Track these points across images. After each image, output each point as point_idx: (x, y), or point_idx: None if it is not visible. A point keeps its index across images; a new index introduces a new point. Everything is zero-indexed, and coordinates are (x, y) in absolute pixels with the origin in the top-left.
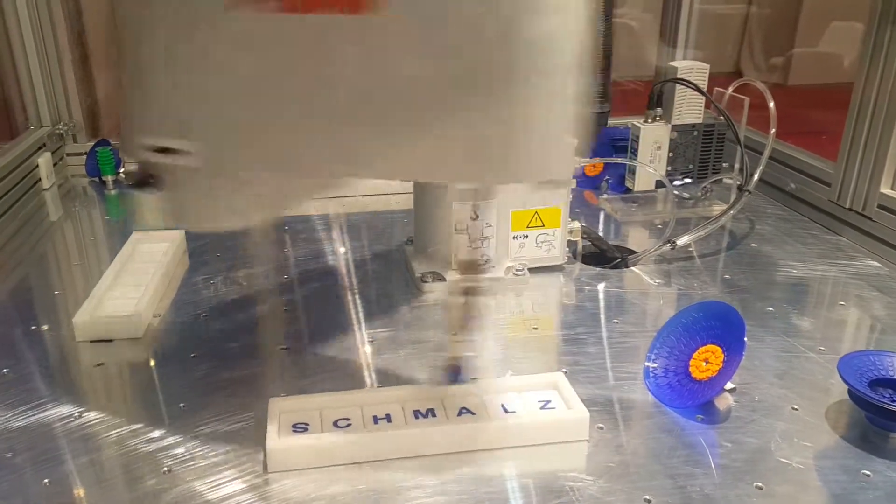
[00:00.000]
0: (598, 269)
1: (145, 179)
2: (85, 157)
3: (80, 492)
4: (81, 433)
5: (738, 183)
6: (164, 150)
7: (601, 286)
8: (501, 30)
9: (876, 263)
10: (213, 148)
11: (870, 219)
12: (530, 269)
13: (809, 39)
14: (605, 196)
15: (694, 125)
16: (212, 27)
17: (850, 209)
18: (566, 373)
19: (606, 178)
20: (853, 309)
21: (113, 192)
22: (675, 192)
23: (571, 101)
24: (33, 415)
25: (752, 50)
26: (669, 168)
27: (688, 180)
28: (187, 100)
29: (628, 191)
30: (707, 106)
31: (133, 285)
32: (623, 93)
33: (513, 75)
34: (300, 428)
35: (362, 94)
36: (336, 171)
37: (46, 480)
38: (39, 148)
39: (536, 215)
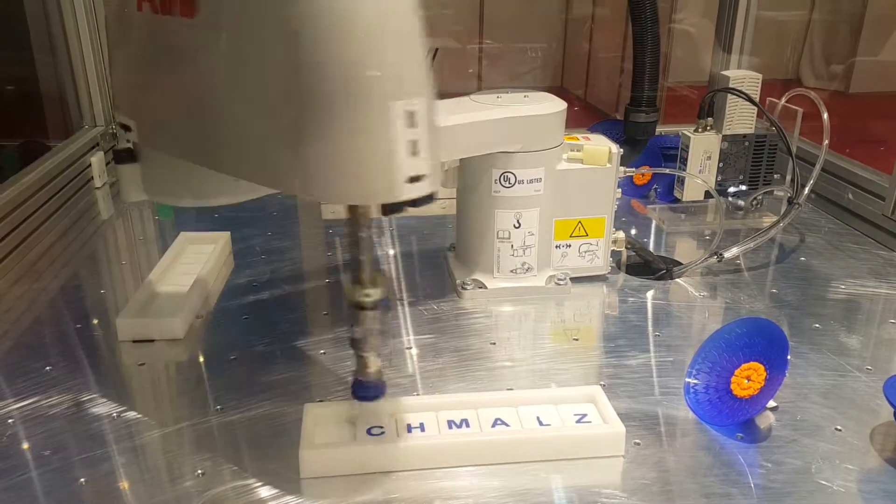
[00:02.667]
0: (642, 280)
1: (120, 154)
2: None
3: (115, 491)
4: (119, 432)
5: (789, 195)
6: (124, 127)
7: (644, 297)
8: (311, 47)
9: None
10: (142, 128)
11: None
12: (573, 279)
13: (872, 47)
14: (652, 205)
15: (745, 136)
16: (127, 24)
17: None
18: (604, 386)
19: (655, 186)
20: None
21: None
22: (731, 198)
23: (401, 125)
24: (74, 413)
25: (813, 57)
26: (720, 178)
27: (743, 187)
28: (123, 84)
29: (677, 200)
30: (759, 116)
31: (177, 286)
32: (677, 98)
33: (327, 100)
34: (334, 435)
35: (213, 98)
36: (218, 168)
37: (83, 479)
38: (92, 147)
39: (580, 224)
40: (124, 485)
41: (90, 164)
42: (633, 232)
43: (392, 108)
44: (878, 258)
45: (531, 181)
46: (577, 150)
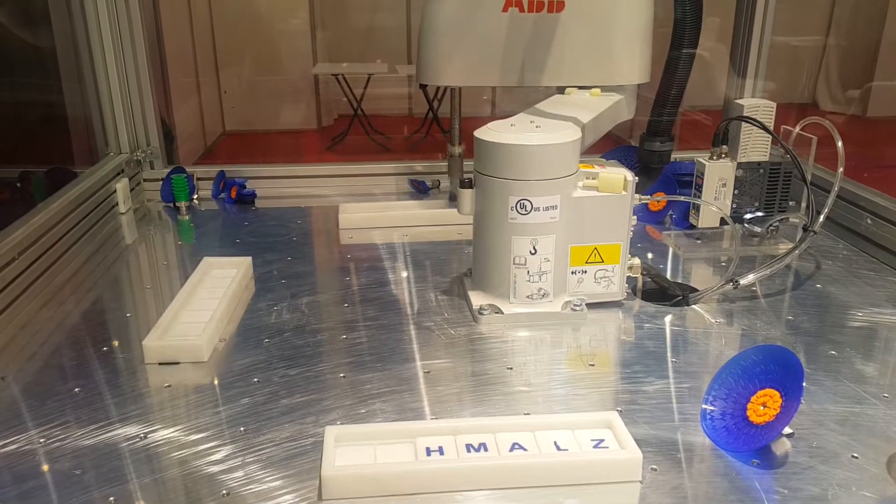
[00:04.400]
0: (658, 306)
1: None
2: (161, 183)
3: None
4: (146, 453)
5: (804, 222)
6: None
7: (661, 324)
8: None
9: None
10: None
11: None
12: (588, 305)
13: (890, 71)
14: (668, 231)
15: (760, 163)
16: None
17: None
18: (621, 412)
19: (670, 213)
20: None
21: (186, 216)
22: (746, 224)
23: None
24: (102, 433)
25: (829, 81)
26: (734, 205)
27: (759, 213)
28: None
29: (692, 227)
30: (774, 144)
31: (201, 310)
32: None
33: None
34: (354, 457)
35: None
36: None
37: (112, 498)
38: (118, 174)
39: (596, 251)
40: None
41: (115, 191)
42: (649, 257)
43: None
44: (894, 285)
45: (547, 208)
46: (593, 178)
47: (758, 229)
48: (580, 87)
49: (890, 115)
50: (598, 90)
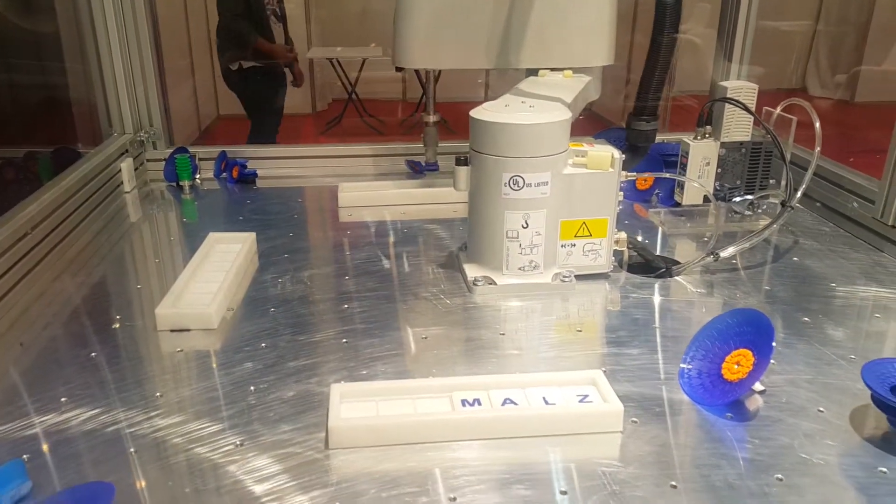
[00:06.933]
0: (643, 277)
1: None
2: (164, 163)
3: (162, 460)
4: (162, 410)
5: (782, 199)
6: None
7: (645, 294)
8: None
9: None
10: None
11: None
12: (577, 276)
13: (878, 57)
14: (654, 209)
15: (742, 143)
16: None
17: (894, 226)
18: (606, 371)
19: (657, 191)
20: (891, 322)
21: (189, 196)
22: (734, 207)
23: None
24: (121, 393)
25: (819, 67)
26: (717, 184)
27: (748, 197)
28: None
29: (677, 204)
30: (756, 125)
31: (209, 282)
32: (681, 108)
33: None
34: (359, 410)
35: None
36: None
37: (132, 449)
38: (122, 154)
39: (584, 225)
40: (168, 455)
41: (120, 170)
42: (639, 238)
43: None
44: (868, 259)
45: (538, 184)
46: (582, 156)
47: (738, 207)
48: (552, 70)
49: (878, 99)
50: (569, 72)
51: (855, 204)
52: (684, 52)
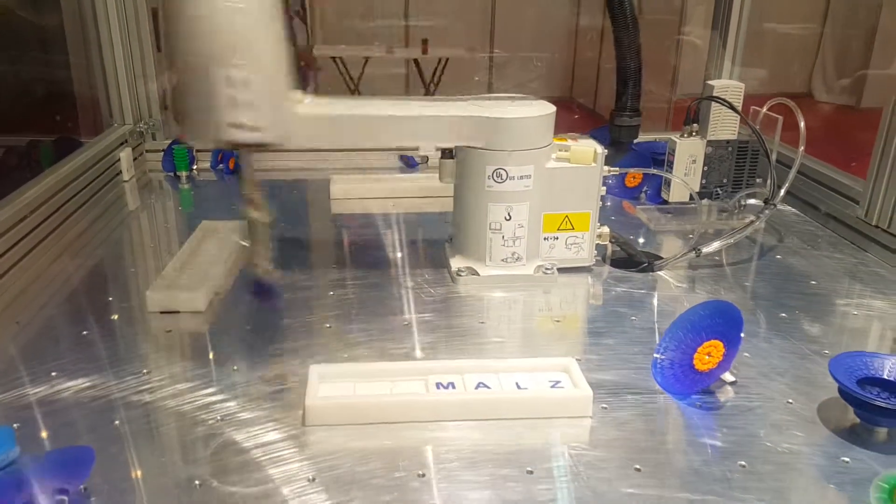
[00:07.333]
0: (625, 272)
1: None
2: (162, 153)
3: (145, 430)
4: (148, 386)
5: (765, 197)
6: None
7: (626, 288)
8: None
9: None
10: None
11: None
12: (560, 269)
13: (884, 61)
14: (642, 206)
15: (728, 141)
16: None
17: (877, 226)
18: (580, 360)
19: (645, 189)
20: (869, 320)
21: (186, 186)
22: (720, 205)
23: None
24: (110, 369)
25: (825, 72)
26: (704, 181)
27: (737, 195)
28: None
29: (664, 202)
30: (742, 123)
31: (200, 266)
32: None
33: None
34: (336, 390)
35: None
36: None
37: (117, 422)
38: (121, 144)
39: (567, 219)
40: (153, 426)
41: (119, 159)
42: (631, 236)
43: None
44: (851, 258)
45: (522, 177)
46: (565, 151)
47: (724, 205)
48: None
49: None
50: None
51: (840, 204)
52: (687, 54)
